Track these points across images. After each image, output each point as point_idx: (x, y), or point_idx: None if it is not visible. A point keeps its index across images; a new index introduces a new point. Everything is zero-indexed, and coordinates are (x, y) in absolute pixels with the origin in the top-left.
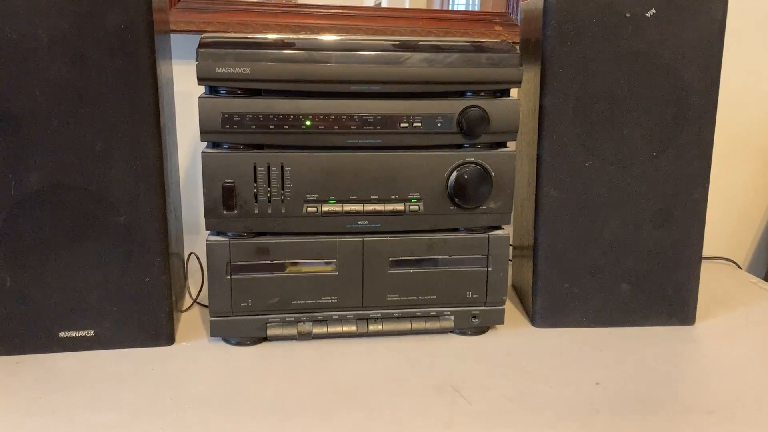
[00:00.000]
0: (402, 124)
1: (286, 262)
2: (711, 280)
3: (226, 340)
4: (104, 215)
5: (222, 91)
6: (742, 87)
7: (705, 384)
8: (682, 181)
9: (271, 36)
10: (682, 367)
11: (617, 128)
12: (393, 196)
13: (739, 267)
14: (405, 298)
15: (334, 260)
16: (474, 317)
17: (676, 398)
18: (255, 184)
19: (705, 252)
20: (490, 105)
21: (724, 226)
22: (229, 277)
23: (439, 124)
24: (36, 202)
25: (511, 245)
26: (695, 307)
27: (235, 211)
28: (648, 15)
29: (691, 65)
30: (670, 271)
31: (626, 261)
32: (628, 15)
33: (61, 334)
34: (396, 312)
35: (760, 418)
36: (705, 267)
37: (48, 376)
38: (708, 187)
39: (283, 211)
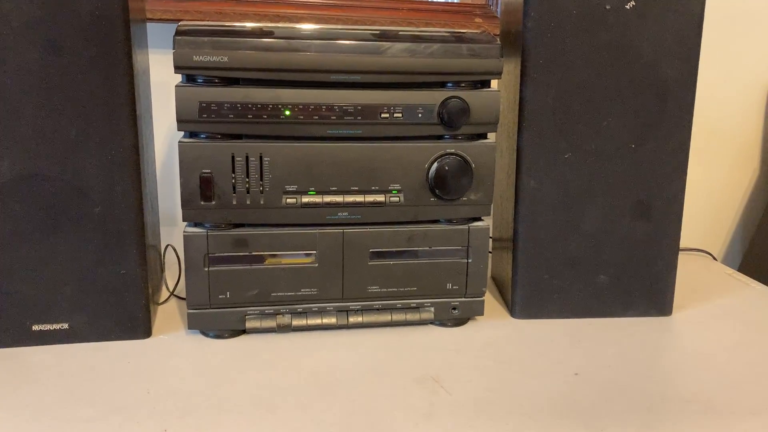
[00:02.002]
0: (383, 115)
1: (265, 253)
2: (687, 271)
3: (204, 333)
4: (79, 206)
5: (199, 80)
6: (719, 81)
7: (682, 373)
8: (660, 174)
9: (250, 24)
10: (660, 357)
11: (596, 120)
12: (373, 188)
13: (714, 258)
14: (385, 289)
15: (314, 252)
16: (454, 308)
17: (653, 388)
18: (233, 175)
19: (682, 244)
20: (470, 96)
21: (700, 219)
22: (206, 269)
23: (420, 115)
24: (8, 192)
25: (491, 237)
26: (672, 298)
27: (213, 202)
28: (627, 7)
29: (670, 58)
30: (648, 262)
31: (605, 252)
32: (608, 7)
33: (35, 327)
34: (376, 304)
35: (735, 407)
36: (682, 258)
37: (21, 369)
38: (685, 180)
39: (261, 202)
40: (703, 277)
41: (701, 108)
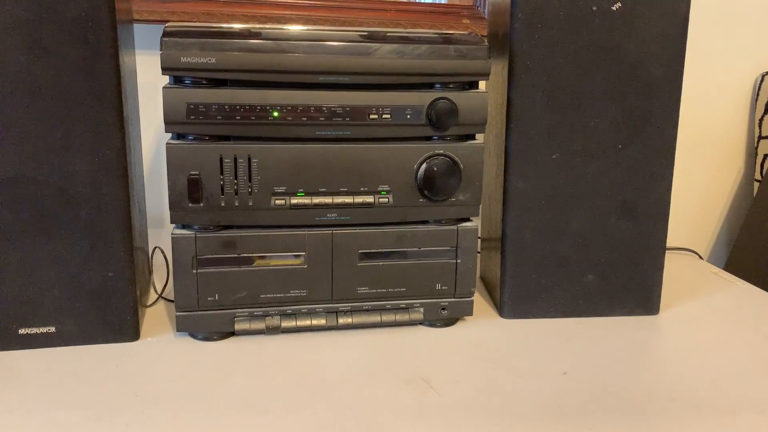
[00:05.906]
0: (371, 116)
1: (254, 255)
2: (674, 270)
3: (193, 336)
4: (65, 209)
5: (187, 81)
6: (704, 81)
7: (668, 372)
8: (646, 174)
9: (237, 25)
10: (647, 356)
11: (583, 121)
12: (362, 189)
13: (700, 257)
14: (374, 290)
15: (303, 253)
16: (443, 309)
17: (641, 386)
18: (221, 177)
19: (668, 243)
20: (458, 97)
21: (686, 218)
22: (195, 271)
23: (408, 116)
24: None
25: (479, 237)
26: (659, 297)
27: (201, 204)
28: (614, 9)
29: (656, 59)
30: (635, 262)
31: (592, 252)
32: (594, 8)
33: (21, 331)
34: (365, 305)
35: (721, 404)
36: (668, 258)
37: (8, 374)
38: (672, 180)
39: (250, 204)
40: (689, 275)
41: (687, 108)
